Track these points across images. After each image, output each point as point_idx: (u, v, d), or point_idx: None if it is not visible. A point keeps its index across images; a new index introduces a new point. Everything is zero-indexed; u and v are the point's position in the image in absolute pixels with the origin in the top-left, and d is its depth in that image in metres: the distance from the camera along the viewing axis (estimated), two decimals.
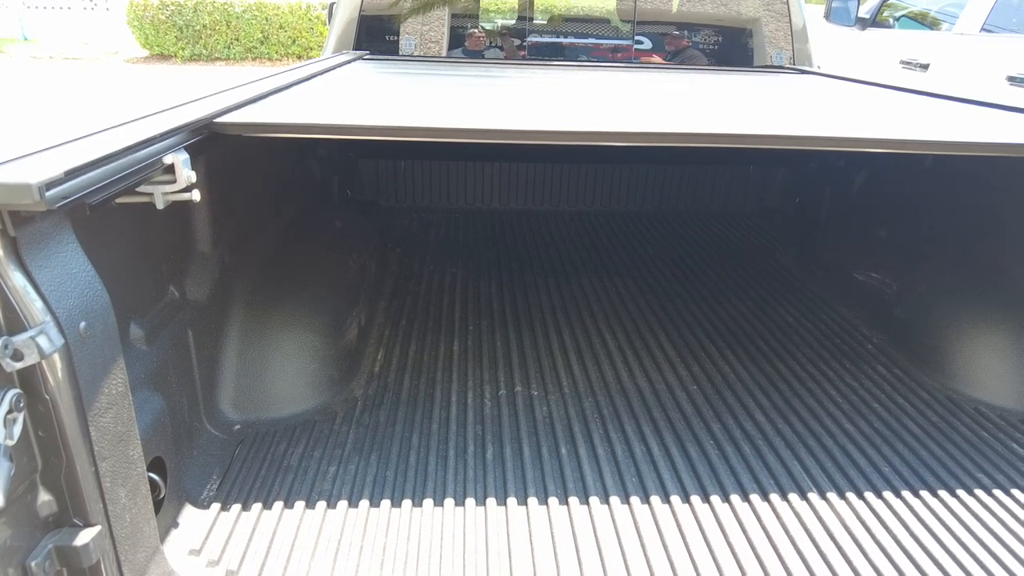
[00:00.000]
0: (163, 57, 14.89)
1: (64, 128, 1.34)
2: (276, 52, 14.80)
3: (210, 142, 1.56)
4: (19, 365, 1.03)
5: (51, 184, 0.97)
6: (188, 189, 1.41)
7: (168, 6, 14.36)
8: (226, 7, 14.37)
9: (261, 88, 2.02)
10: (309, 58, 14.78)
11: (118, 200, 1.30)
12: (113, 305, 1.24)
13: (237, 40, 14.64)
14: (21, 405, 1.05)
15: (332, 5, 5.19)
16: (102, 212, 1.27)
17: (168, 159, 1.37)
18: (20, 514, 1.09)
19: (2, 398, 1.02)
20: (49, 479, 1.14)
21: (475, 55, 3.94)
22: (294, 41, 14.73)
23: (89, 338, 1.15)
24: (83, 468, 1.15)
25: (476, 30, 4.00)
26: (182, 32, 14.55)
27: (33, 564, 1.10)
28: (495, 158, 3.94)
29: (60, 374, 1.09)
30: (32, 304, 1.05)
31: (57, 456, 1.13)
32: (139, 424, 1.33)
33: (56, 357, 1.07)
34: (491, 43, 4.00)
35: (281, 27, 14.59)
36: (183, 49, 14.65)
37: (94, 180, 1.10)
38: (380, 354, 2.45)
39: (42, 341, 1.04)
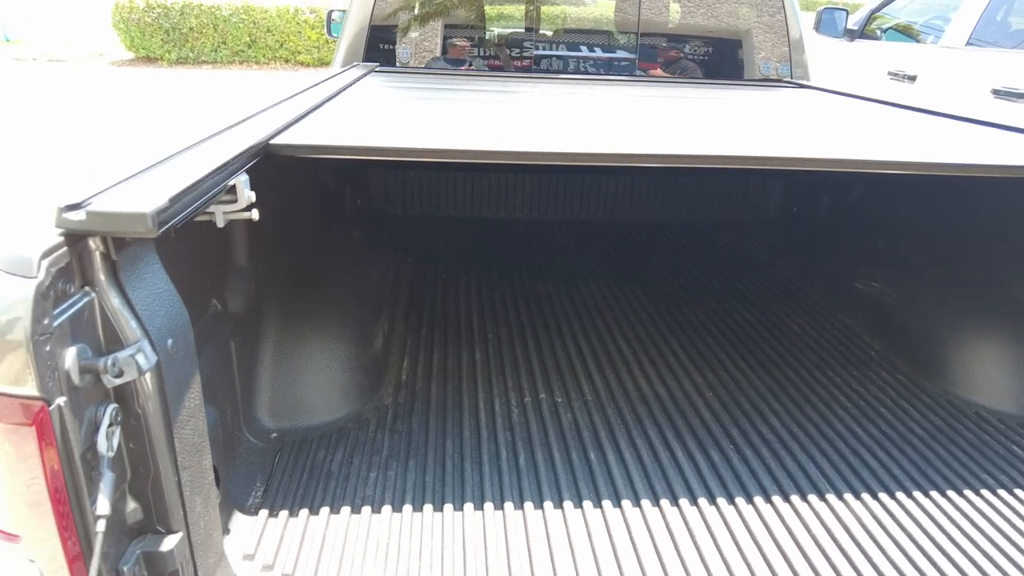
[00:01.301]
0: (149, 60, 14.80)
1: (127, 151, 1.40)
2: (263, 56, 14.77)
3: (265, 163, 1.62)
4: (119, 381, 1.09)
5: (160, 211, 1.04)
6: (248, 208, 1.47)
7: (154, 8, 14.28)
8: (213, 10, 14.32)
9: (300, 106, 2.08)
10: (297, 62, 14.79)
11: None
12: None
13: (224, 43, 14.60)
14: (119, 419, 1.12)
15: (331, 13, 5.24)
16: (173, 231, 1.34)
17: (232, 180, 1.43)
18: (113, 521, 1.15)
19: (104, 413, 1.08)
20: (136, 488, 1.21)
21: (475, 66, 4.02)
22: (282, 45, 14.71)
23: (174, 354, 1.21)
24: (167, 478, 1.22)
25: (482, 42, 4.08)
26: (168, 35, 14.48)
27: (125, 569, 1.16)
28: (502, 168, 4.02)
29: (151, 389, 1.15)
30: (129, 324, 1.11)
31: (144, 466, 1.20)
32: None
33: (149, 374, 1.14)
34: (497, 55, 4.08)
35: (268, 31, 14.56)
36: (169, 52, 14.58)
37: (185, 205, 1.17)
38: (405, 363, 2.52)
39: (140, 359, 1.11)
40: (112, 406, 1.11)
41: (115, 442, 1.10)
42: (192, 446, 1.29)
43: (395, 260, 3.31)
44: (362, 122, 2.03)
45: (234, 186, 1.44)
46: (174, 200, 1.09)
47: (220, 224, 1.46)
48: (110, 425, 1.09)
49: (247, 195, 1.45)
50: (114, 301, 1.10)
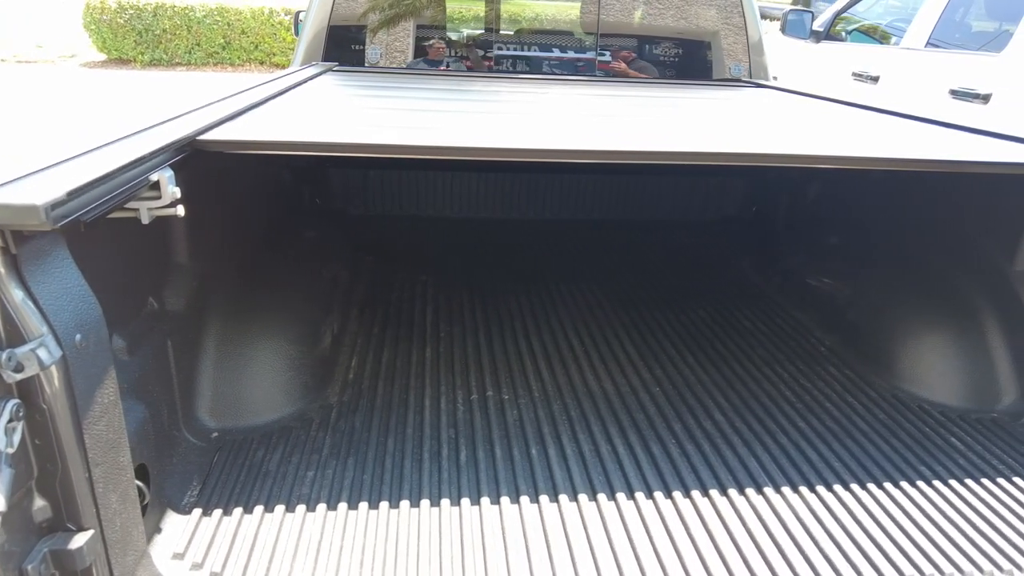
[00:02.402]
0: (122, 61, 14.63)
1: (51, 147, 1.39)
2: (238, 58, 14.65)
3: (192, 159, 1.61)
4: (19, 376, 1.08)
5: (55, 205, 1.03)
6: (173, 204, 1.46)
7: (127, 10, 14.11)
8: (187, 12, 14.18)
9: (239, 104, 2.07)
10: (272, 64, 14.69)
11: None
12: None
13: (198, 45, 14.46)
14: (20, 414, 1.10)
15: (298, 14, 5.23)
16: (89, 227, 1.33)
17: (154, 176, 1.42)
18: (16, 519, 1.14)
19: (3, 408, 1.07)
20: (44, 485, 1.19)
21: (440, 66, 4.02)
22: (256, 47, 14.60)
23: (84, 350, 1.20)
24: (77, 474, 1.20)
25: (442, 42, 4.08)
26: (141, 36, 14.31)
27: (30, 568, 1.15)
28: (463, 168, 4.02)
29: (57, 384, 1.14)
30: (31, 318, 1.10)
31: (52, 463, 1.18)
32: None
33: (54, 368, 1.12)
34: (457, 54, 4.08)
35: (243, 32, 14.45)
36: (142, 54, 14.42)
37: (91, 199, 1.16)
38: (353, 362, 2.51)
39: (42, 353, 1.09)
40: (14, 401, 1.09)
41: (15, 438, 1.09)
42: (106, 442, 1.27)
43: (352, 259, 3.30)
44: (303, 119, 2.02)
45: (158, 182, 1.43)
46: (73, 194, 1.08)
47: (145, 221, 1.45)
48: (10, 421, 1.08)
49: (171, 191, 1.44)
50: (15, 295, 1.09)
